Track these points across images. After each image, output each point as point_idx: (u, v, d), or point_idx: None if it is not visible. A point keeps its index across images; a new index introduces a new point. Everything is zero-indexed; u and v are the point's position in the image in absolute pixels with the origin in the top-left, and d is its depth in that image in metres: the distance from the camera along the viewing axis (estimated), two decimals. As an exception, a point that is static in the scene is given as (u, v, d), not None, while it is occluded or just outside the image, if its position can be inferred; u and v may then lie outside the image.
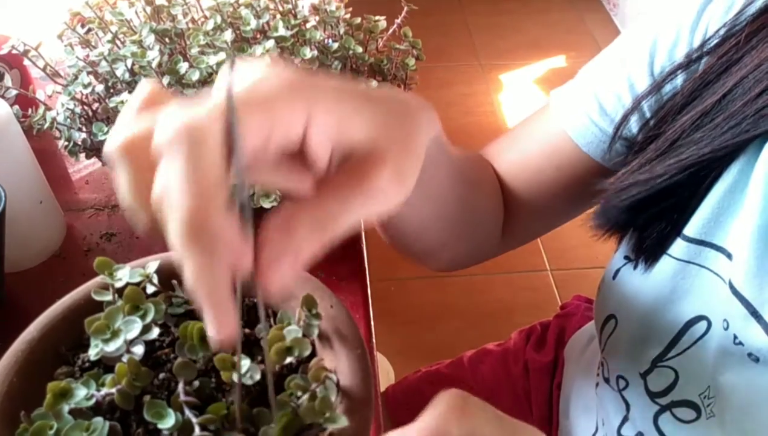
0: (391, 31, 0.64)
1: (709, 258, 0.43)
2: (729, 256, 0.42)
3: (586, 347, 0.69)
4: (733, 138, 0.39)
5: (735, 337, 0.41)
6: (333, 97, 0.27)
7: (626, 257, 0.50)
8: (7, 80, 0.73)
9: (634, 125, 0.47)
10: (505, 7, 2.73)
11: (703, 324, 0.44)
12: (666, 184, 0.42)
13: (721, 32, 0.42)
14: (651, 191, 0.43)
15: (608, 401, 0.56)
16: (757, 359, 0.40)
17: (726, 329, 0.42)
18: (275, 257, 0.25)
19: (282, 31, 0.58)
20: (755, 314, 0.39)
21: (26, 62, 0.61)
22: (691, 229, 0.44)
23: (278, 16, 0.62)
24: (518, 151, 0.55)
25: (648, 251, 0.46)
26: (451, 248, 0.54)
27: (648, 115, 0.46)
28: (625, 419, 0.54)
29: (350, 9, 0.63)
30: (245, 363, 0.31)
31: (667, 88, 0.45)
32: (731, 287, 0.41)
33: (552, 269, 1.70)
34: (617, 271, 0.51)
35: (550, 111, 0.53)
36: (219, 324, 0.24)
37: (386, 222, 0.46)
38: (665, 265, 0.46)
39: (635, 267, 0.49)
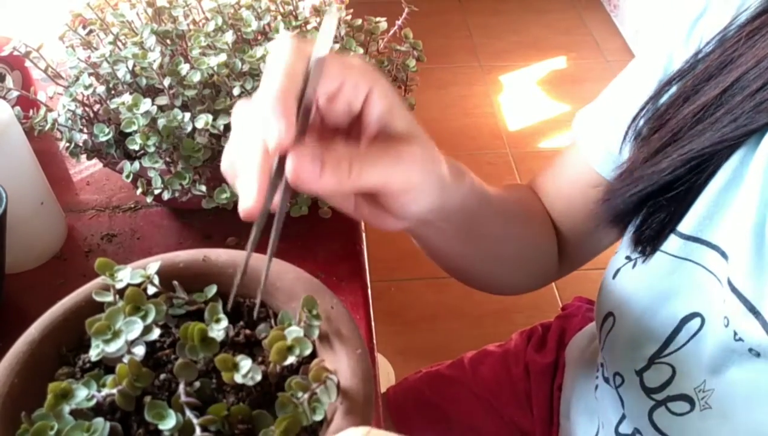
0: (391, 32, 0.64)
1: (703, 255, 0.44)
2: (722, 254, 0.42)
3: (587, 348, 0.69)
4: (732, 132, 0.40)
5: (735, 333, 0.41)
6: (391, 91, 0.36)
7: (627, 257, 0.51)
8: (9, 82, 0.73)
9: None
10: (504, 7, 2.73)
11: (697, 321, 0.45)
12: (669, 179, 0.43)
13: (717, 38, 0.43)
14: (656, 187, 0.44)
15: (607, 400, 0.56)
16: (758, 354, 0.41)
17: (726, 326, 0.42)
18: (308, 152, 0.32)
19: (283, 33, 0.58)
20: (753, 310, 0.40)
21: (28, 64, 0.61)
22: (685, 226, 0.44)
23: (279, 17, 0.62)
24: (552, 184, 0.60)
25: (646, 242, 0.47)
26: (498, 277, 0.59)
27: (646, 121, 0.48)
28: (622, 417, 0.54)
29: (351, 10, 0.63)
30: (246, 364, 0.31)
31: (664, 99, 0.46)
32: (730, 284, 0.41)
33: (552, 270, 1.70)
34: (617, 271, 0.52)
35: (575, 145, 0.57)
36: (254, 192, 0.32)
37: (426, 246, 0.51)
38: (661, 262, 0.47)
39: (634, 266, 0.49)
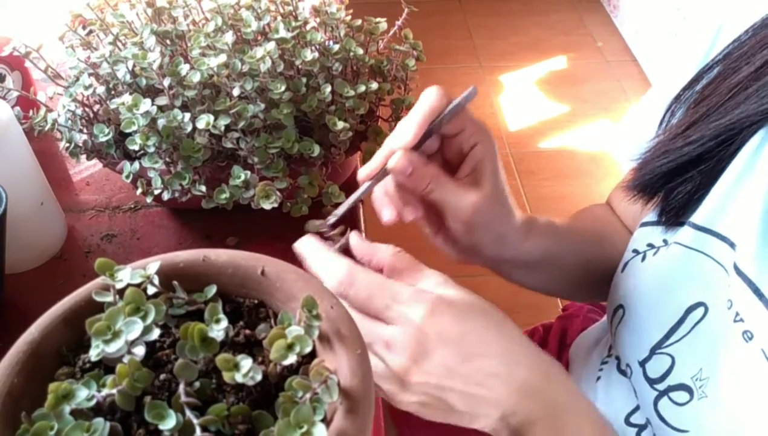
0: (391, 32, 0.64)
1: (712, 246, 0.45)
2: (731, 244, 0.44)
3: (593, 348, 0.69)
4: (757, 108, 0.42)
5: (737, 314, 0.43)
6: (491, 151, 0.48)
7: (635, 251, 0.52)
8: (9, 82, 0.73)
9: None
10: (505, 8, 2.73)
11: (700, 311, 0.46)
12: (698, 152, 0.45)
13: (757, 24, 0.45)
14: (685, 158, 0.46)
15: (618, 392, 0.57)
16: (750, 337, 0.42)
17: (729, 308, 0.43)
18: (409, 156, 0.46)
19: (283, 33, 0.58)
20: (757, 292, 0.41)
21: (28, 64, 0.61)
22: (699, 217, 0.46)
23: (279, 17, 0.62)
24: (619, 203, 0.64)
25: (670, 213, 0.49)
26: (581, 294, 0.66)
27: (681, 104, 0.50)
28: (636, 408, 0.55)
29: (351, 11, 0.63)
30: (246, 363, 0.31)
31: (700, 84, 0.49)
32: (735, 268, 0.42)
33: (552, 270, 1.70)
34: (626, 264, 0.53)
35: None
36: (371, 164, 0.48)
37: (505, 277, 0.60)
38: (672, 253, 0.48)
39: (643, 259, 0.51)
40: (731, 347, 0.43)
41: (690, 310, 0.47)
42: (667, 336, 0.48)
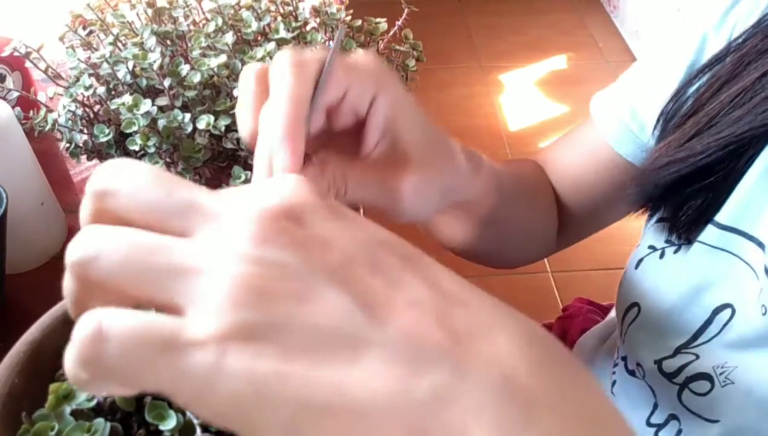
0: (391, 33, 0.64)
1: (740, 246, 0.44)
2: (760, 245, 0.42)
3: (600, 348, 0.69)
4: None
5: None
6: (400, 96, 0.34)
7: (651, 247, 0.50)
8: (9, 82, 0.73)
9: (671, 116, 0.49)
10: (505, 8, 2.73)
11: (727, 312, 0.45)
12: (705, 163, 0.43)
13: (754, 24, 0.43)
14: (690, 170, 0.44)
15: (635, 392, 0.56)
16: None
17: (764, 314, 0.42)
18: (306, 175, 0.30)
19: (283, 34, 0.58)
20: None
21: (28, 64, 0.61)
22: (723, 216, 0.44)
23: (279, 18, 0.62)
24: (562, 159, 0.59)
25: (682, 230, 0.47)
26: (500, 253, 0.57)
27: (679, 106, 0.48)
28: (654, 407, 0.53)
29: (351, 11, 0.63)
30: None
31: (697, 85, 0.46)
32: (766, 270, 0.41)
33: (552, 270, 1.70)
34: (640, 261, 0.51)
35: (591, 119, 0.57)
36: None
37: (440, 236, 0.51)
38: (695, 252, 0.46)
39: (661, 256, 0.49)
40: (765, 345, 0.42)
41: (717, 311, 0.45)
42: (695, 337, 0.46)
